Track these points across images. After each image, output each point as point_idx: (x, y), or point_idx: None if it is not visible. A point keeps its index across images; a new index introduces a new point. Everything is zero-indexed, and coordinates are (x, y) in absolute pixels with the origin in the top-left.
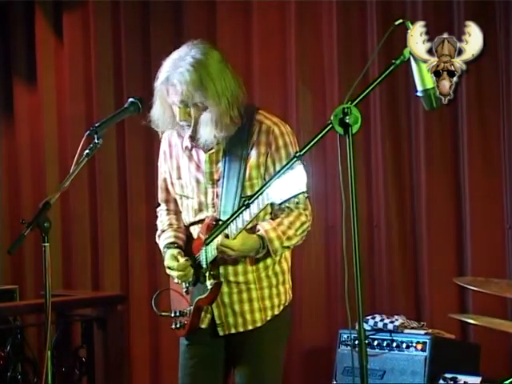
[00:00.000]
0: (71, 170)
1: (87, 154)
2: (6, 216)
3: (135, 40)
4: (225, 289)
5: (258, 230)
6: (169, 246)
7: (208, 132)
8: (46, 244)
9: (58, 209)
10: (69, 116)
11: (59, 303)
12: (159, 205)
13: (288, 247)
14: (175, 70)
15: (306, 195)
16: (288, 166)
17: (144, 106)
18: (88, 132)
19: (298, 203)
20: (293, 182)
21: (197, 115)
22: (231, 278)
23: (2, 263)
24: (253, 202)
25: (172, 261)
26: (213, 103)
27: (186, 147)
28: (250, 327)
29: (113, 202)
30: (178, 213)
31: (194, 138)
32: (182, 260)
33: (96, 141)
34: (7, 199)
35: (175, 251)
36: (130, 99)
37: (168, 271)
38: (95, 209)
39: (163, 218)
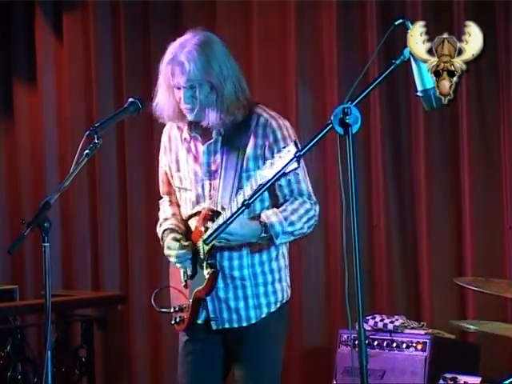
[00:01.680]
0: (71, 170)
1: (87, 154)
2: (6, 216)
3: (135, 40)
4: (220, 284)
5: (261, 217)
6: (170, 230)
7: (215, 114)
8: (46, 244)
9: (58, 209)
10: (69, 116)
11: (59, 303)
12: (161, 197)
13: (292, 233)
14: (182, 50)
15: (298, 174)
16: (287, 167)
17: (144, 105)
18: (88, 132)
19: (302, 193)
20: (285, 160)
21: (202, 97)
22: (226, 273)
23: (2, 263)
24: (253, 201)
25: (173, 241)
26: (219, 84)
27: (185, 139)
28: (245, 324)
29: (113, 202)
30: (179, 204)
31: (195, 124)
32: (184, 243)
33: (96, 141)
34: (7, 199)
35: (178, 236)
36: (130, 99)
37: (166, 252)
38: (95, 209)
39: (166, 209)
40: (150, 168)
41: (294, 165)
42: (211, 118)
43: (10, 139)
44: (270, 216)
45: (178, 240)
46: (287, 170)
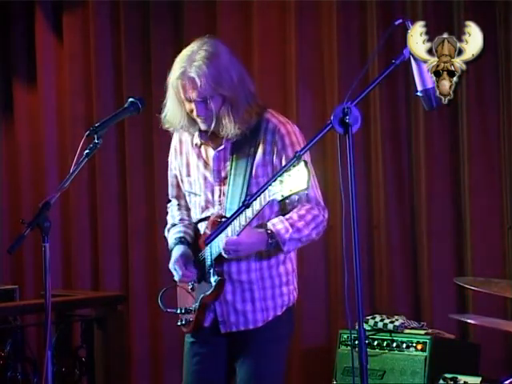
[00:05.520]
0: (71, 170)
1: (87, 153)
2: (6, 216)
3: (135, 40)
4: (228, 287)
5: (267, 226)
6: (178, 240)
7: (232, 124)
8: (46, 244)
9: (58, 209)
10: (69, 116)
11: (59, 303)
12: (169, 200)
13: (299, 240)
14: (191, 64)
15: (307, 194)
16: (288, 166)
17: (144, 105)
18: (88, 132)
19: (309, 200)
20: (294, 178)
21: (217, 108)
22: (234, 277)
23: (2, 263)
24: (253, 201)
25: (179, 264)
26: (232, 95)
27: (196, 144)
28: (251, 326)
29: (113, 201)
30: (188, 208)
31: (208, 132)
32: (192, 270)
33: (96, 141)
34: (7, 199)
35: (187, 251)
36: (130, 99)
37: (171, 267)
38: (95, 209)
39: (174, 213)
40: (150, 168)
41: (304, 185)
42: (228, 128)
43: (10, 139)
44: (276, 223)
45: (184, 260)
46: (295, 191)
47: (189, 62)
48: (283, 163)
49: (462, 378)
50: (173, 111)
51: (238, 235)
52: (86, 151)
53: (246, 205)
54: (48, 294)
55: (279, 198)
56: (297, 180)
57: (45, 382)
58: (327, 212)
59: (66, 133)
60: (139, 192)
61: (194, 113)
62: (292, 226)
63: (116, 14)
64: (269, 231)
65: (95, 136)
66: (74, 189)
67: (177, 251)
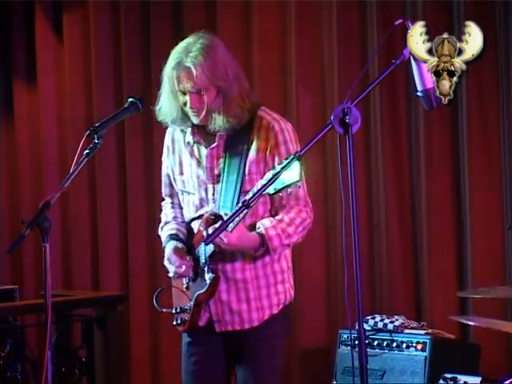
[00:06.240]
0: (71, 170)
1: (87, 153)
2: (6, 216)
3: (135, 40)
4: (223, 286)
5: (258, 228)
6: (171, 237)
7: (222, 118)
8: (46, 244)
9: (58, 209)
10: (69, 116)
11: (59, 303)
12: (163, 199)
13: (288, 245)
14: (187, 55)
15: (300, 186)
16: (287, 166)
17: (144, 105)
18: (88, 132)
19: (298, 200)
20: (287, 172)
21: (210, 101)
22: (229, 275)
23: (2, 263)
24: (253, 201)
25: (175, 255)
26: (226, 87)
27: (188, 143)
28: (247, 326)
29: (113, 201)
30: (182, 207)
31: (198, 128)
32: (187, 257)
33: (96, 141)
34: (7, 199)
35: (179, 245)
36: (130, 99)
37: (166, 264)
38: (95, 208)
39: (167, 211)
40: (150, 168)
41: (296, 177)
42: (218, 121)
43: (10, 139)
44: (269, 229)
45: (179, 252)
46: (289, 182)
47: (185, 53)
48: (276, 160)
49: (461, 378)
50: (167, 103)
51: (231, 231)
52: (86, 151)
53: (246, 205)
54: (48, 294)
55: (272, 191)
56: (289, 172)
57: (45, 382)
58: (313, 213)
59: (66, 133)
60: (139, 192)
61: (188, 105)
62: (283, 231)
63: (116, 14)
64: (260, 236)
65: (95, 136)
66: (74, 189)
67: (170, 246)
